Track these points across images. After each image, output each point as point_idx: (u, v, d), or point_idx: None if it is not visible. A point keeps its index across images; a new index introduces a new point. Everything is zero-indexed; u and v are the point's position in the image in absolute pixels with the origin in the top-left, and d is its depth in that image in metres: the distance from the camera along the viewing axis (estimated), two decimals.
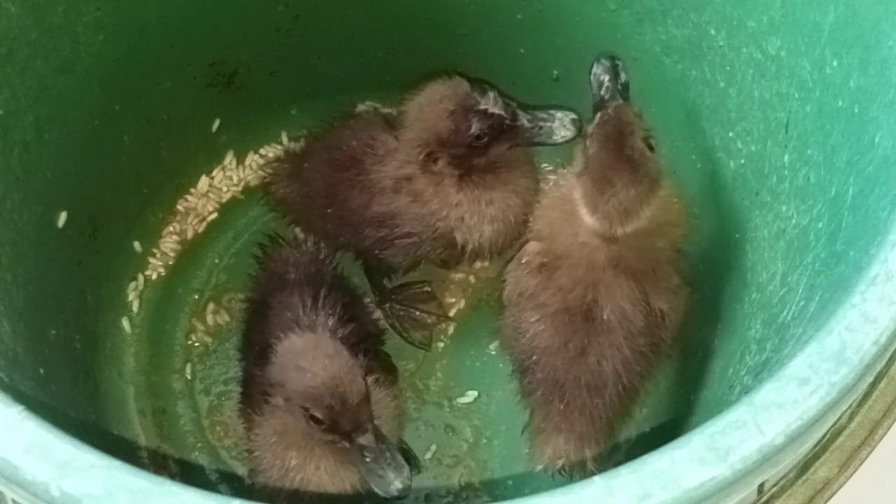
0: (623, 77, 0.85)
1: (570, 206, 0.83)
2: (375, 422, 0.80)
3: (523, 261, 0.88)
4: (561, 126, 0.91)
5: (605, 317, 0.84)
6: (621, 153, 0.80)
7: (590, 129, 0.83)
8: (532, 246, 0.88)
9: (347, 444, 0.79)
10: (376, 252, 0.97)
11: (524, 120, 0.91)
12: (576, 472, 0.89)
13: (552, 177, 1.04)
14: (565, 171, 0.88)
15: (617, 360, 0.85)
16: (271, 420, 0.85)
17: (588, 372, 0.86)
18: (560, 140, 0.91)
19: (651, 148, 0.82)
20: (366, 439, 0.79)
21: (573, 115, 0.91)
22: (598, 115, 0.83)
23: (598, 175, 0.81)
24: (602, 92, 0.84)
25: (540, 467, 0.90)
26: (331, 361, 0.78)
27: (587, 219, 0.82)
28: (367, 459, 0.79)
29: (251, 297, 0.98)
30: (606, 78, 0.84)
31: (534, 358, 0.87)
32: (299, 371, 0.79)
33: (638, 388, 0.89)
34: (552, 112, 0.91)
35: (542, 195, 0.92)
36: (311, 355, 0.79)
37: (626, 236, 0.82)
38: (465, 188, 0.94)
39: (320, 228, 0.99)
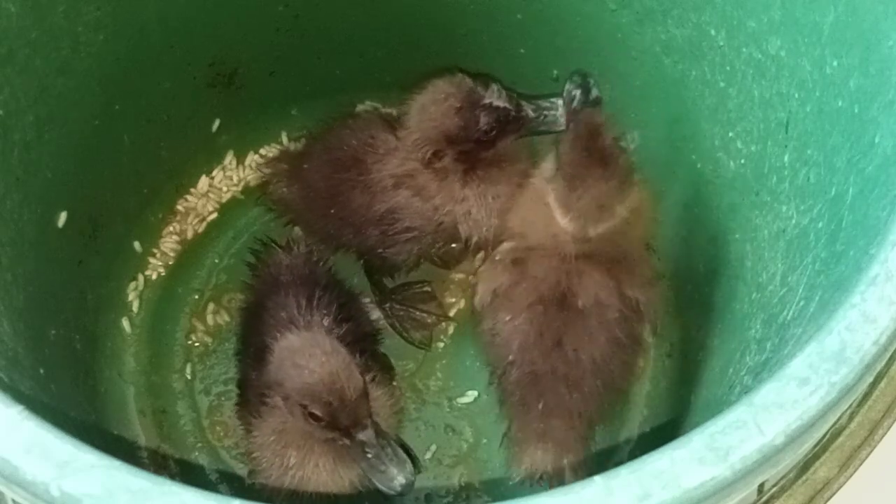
0: (594, 93, 0.89)
1: (544, 209, 0.84)
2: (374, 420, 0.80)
3: (497, 258, 0.89)
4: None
5: (579, 305, 0.85)
6: (591, 150, 0.81)
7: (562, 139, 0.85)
8: (505, 245, 0.89)
9: (347, 442, 0.79)
10: (379, 251, 0.97)
11: (528, 110, 0.92)
12: (554, 482, 0.88)
13: None
14: (538, 171, 0.89)
15: (594, 349, 0.86)
16: (270, 420, 0.85)
17: (565, 363, 0.86)
18: (564, 126, 0.92)
19: (621, 148, 0.83)
20: (366, 435, 0.79)
21: None
22: (571, 125, 0.86)
23: (570, 173, 0.82)
24: (574, 105, 0.88)
25: (517, 479, 0.89)
26: (328, 358, 0.78)
27: (562, 221, 0.83)
28: (369, 455, 0.79)
29: (247, 300, 0.98)
30: (578, 93, 0.89)
31: (510, 358, 0.88)
32: (297, 368, 0.79)
33: (618, 387, 0.89)
34: (554, 100, 0.92)
35: (518, 197, 0.93)
36: (307, 352, 0.79)
37: (599, 237, 0.83)
38: (470, 183, 0.94)
39: (321, 229, 0.99)
